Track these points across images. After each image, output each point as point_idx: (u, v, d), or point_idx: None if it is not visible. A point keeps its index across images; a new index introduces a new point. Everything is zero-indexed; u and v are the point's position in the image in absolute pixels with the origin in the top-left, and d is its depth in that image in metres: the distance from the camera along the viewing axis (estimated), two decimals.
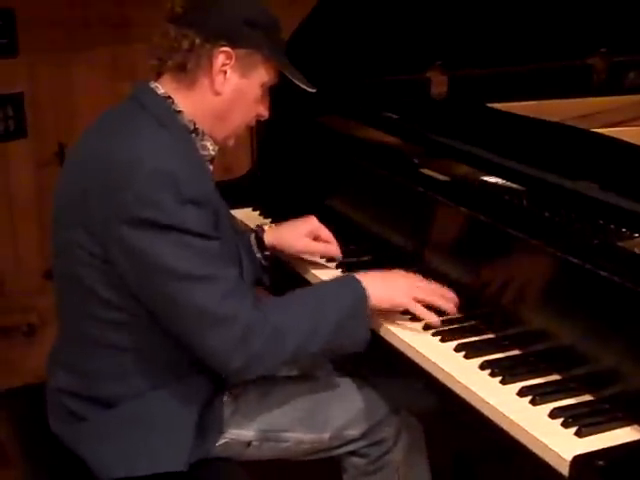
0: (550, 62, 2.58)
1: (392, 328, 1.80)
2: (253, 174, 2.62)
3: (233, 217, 1.96)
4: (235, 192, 2.46)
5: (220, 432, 1.81)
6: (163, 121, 1.72)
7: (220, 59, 1.73)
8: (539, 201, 1.79)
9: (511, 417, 1.49)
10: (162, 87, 1.76)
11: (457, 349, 1.70)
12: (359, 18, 2.36)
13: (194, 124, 1.77)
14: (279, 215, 2.30)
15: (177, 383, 1.75)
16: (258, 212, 2.44)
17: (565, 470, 1.37)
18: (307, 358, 1.77)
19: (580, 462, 1.35)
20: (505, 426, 1.50)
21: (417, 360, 1.71)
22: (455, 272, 1.87)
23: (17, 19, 3.22)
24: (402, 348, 1.75)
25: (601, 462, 1.33)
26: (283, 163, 2.55)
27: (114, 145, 1.68)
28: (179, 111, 1.75)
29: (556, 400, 1.53)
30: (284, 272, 2.11)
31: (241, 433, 1.83)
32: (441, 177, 1.99)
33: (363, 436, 1.91)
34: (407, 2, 2.39)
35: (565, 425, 1.46)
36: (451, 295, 1.81)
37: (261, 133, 2.65)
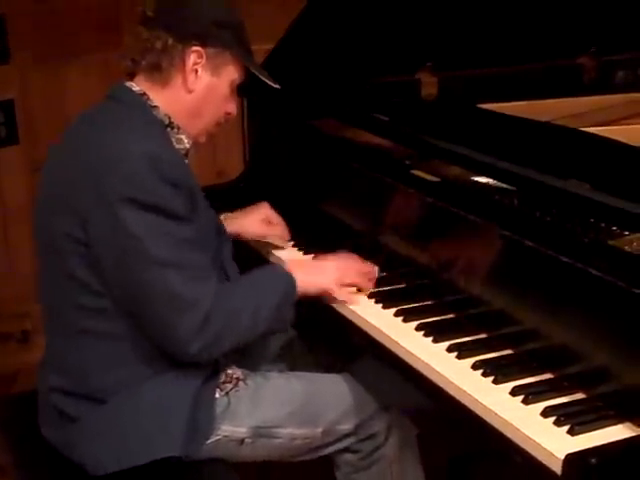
0: (540, 62, 2.59)
1: (384, 328, 1.80)
2: (245, 177, 2.62)
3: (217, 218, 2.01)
4: (227, 195, 2.47)
5: (212, 428, 1.82)
6: (140, 115, 1.80)
7: (192, 58, 1.80)
8: (530, 201, 1.79)
9: (504, 416, 1.50)
10: (136, 85, 1.83)
11: (449, 349, 1.70)
12: (348, 21, 2.36)
13: (169, 118, 1.83)
14: None
15: (166, 372, 1.78)
16: None
17: (558, 468, 1.37)
18: (252, 339, 1.87)
19: (573, 460, 1.35)
20: (498, 425, 1.50)
21: (409, 360, 1.71)
22: (447, 273, 1.87)
23: (8, 26, 3.22)
24: (394, 348, 1.76)
25: (594, 460, 1.33)
26: (275, 166, 2.55)
27: (99, 139, 1.75)
28: (154, 106, 1.82)
29: (548, 399, 1.53)
30: (245, 251, 2.22)
31: (234, 430, 1.84)
32: (432, 178, 1.99)
33: (355, 431, 1.93)
34: (397, 4, 2.39)
35: (557, 423, 1.46)
36: (372, 273, 1.97)
37: (253, 136, 2.66)
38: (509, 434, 1.48)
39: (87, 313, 1.77)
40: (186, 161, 1.87)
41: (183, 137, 1.85)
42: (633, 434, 1.43)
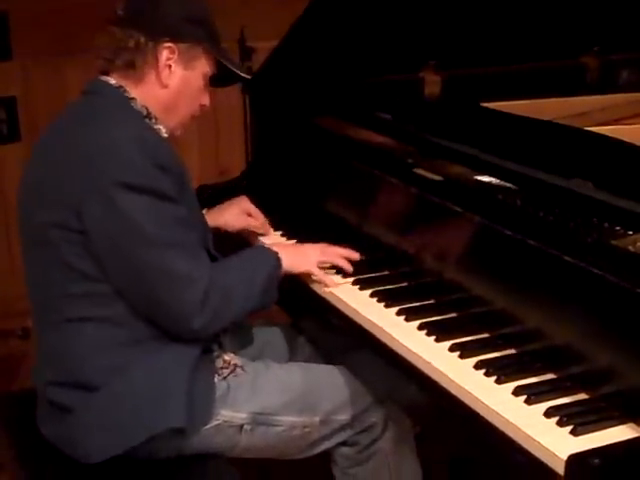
0: (543, 61, 2.58)
1: (386, 327, 1.80)
2: (248, 176, 2.62)
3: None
4: (230, 194, 2.46)
5: (212, 411, 1.83)
6: (121, 106, 1.85)
7: (164, 54, 1.87)
8: (533, 200, 1.78)
9: (506, 416, 1.49)
10: (112, 80, 1.88)
11: (452, 349, 1.70)
12: (352, 18, 2.35)
13: (147, 109, 1.88)
14: (274, 216, 2.30)
15: (159, 353, 1.80)
16: None
17: (560, 469, 1.37)
18: (245, 316, 1.93)
19: (575, 461, 1.35)
20: (500, 425, 1.49)
21: (411, 360, 1.71)
22: (449, 272, 1.87)
23: (10, 23, 3.22)
24: (396, 347, 1.75)
25: (596, 460, 1.33)
26: (278, 164, 2.55)
27: (86, 131, 1.79)
28: (132, 98, 1.87)
29: (551, 399, 1.53)
30: (228, 242, 2.25)
31: (233, 415, 1.87)
32: (435, 177, 1.98)
33: (351, 422, 1.95)
34: (400, 2, 2.38)
35: (560, 424, 1.46)
36: (352, 256, 2.02)
37: (256, 135, 2.65)
38: (511, 434, 1.47)
39: (81, 301, 1.79)
40: None
41: (161, 127, 1.90)
42: (636, 435, 1.43)
